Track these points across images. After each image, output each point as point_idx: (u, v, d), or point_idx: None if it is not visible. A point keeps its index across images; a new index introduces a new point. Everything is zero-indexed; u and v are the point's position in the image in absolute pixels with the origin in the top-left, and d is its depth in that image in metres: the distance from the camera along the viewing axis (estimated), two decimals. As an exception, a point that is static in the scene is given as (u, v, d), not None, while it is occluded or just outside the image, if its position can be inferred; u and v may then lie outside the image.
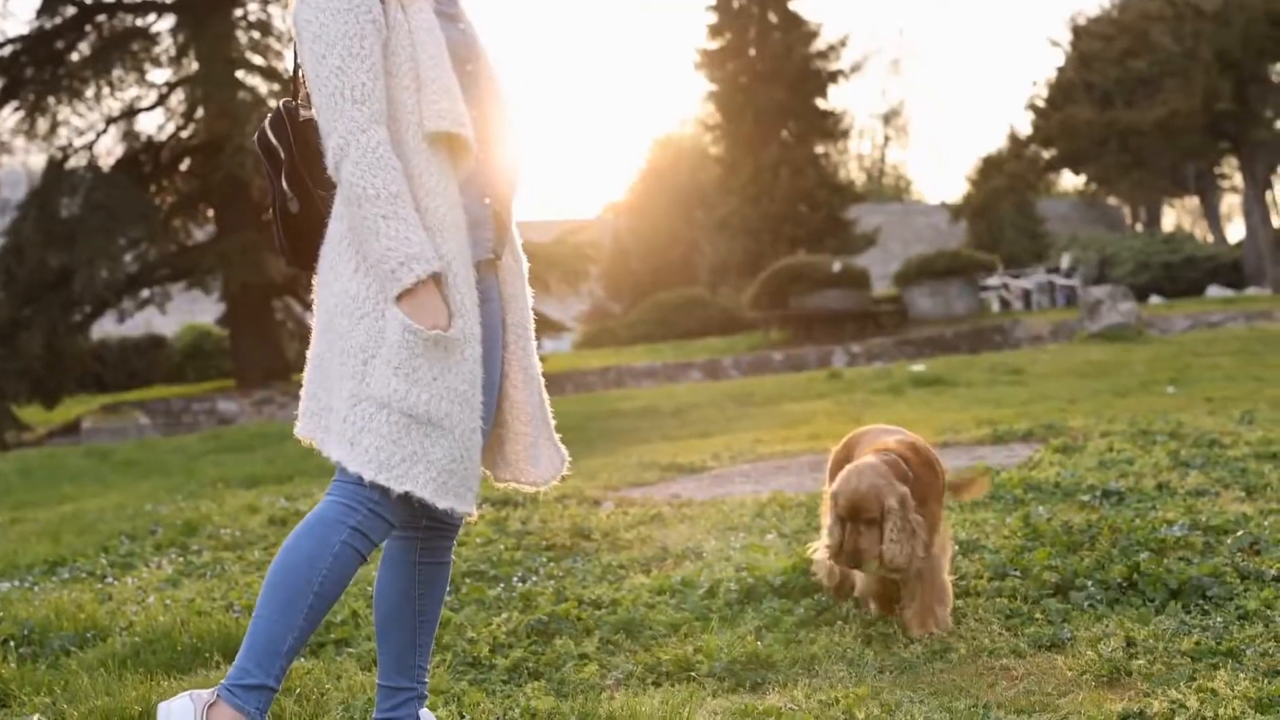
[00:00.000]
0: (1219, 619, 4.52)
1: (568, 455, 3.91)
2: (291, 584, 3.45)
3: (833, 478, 5.16)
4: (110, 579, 6.91)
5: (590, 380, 27.83)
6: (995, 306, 38.34)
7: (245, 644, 3.48)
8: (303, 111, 3.64)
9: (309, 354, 3.66)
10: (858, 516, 4.68)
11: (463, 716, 4.14)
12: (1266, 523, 5.71)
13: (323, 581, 3.46)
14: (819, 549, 5.16)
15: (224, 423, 24.81)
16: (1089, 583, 5.02)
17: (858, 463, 4.86)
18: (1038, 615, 4.82)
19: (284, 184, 3.64)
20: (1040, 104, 53.54)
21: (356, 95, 3.39)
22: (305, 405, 3.65)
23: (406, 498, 3.43)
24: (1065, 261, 39.43)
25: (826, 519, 5.07)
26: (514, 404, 3.80)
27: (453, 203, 3.50)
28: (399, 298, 3.38)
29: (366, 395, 3.41)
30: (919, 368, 19.35)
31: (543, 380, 3.90)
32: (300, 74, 3.62)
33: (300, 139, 3.61)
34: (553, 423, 3.90)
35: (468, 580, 6.05)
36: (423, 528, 3.75)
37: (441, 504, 3.43)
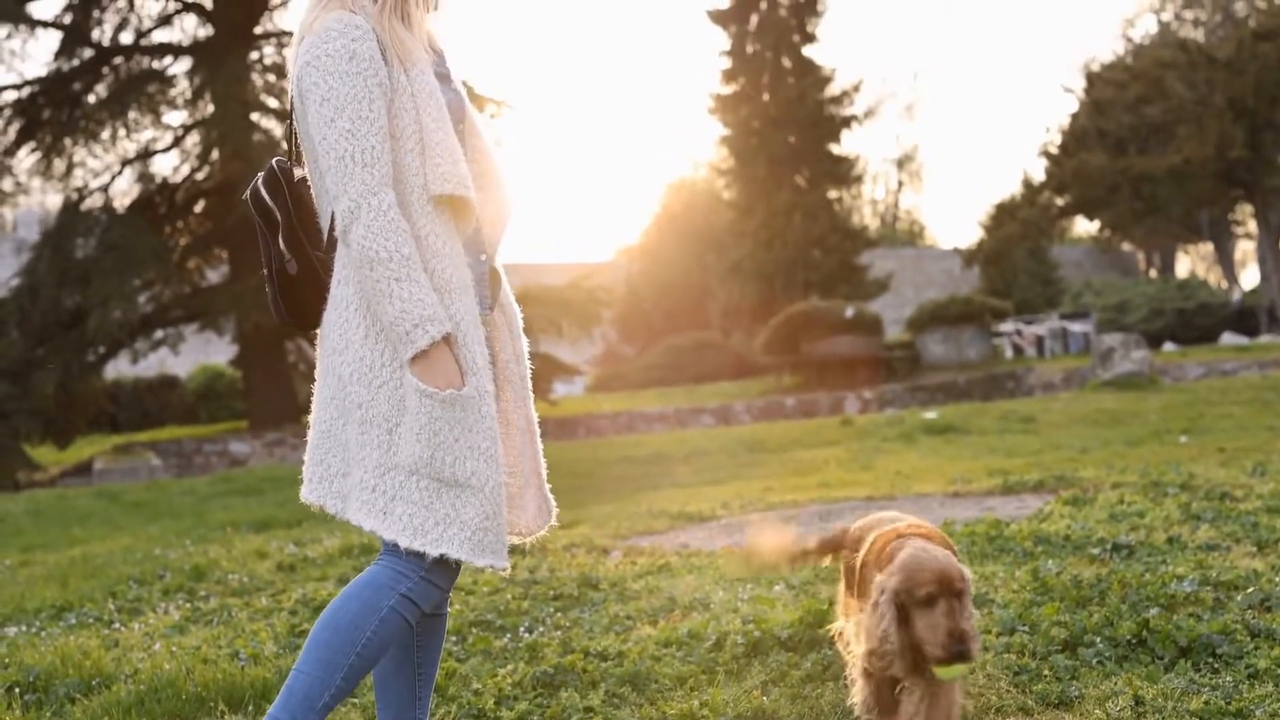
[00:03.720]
0: (1228, 678, 4.48)
1: (555, 506, 3.94)
2: (335, 644, 3.45)
3: (850, 584, 4.36)
4: (117, 625, 6.90)
5: (602, 425, 27.81)
6: (1008, 353, 38.33)
7: (283, 694, 3.48)
8: (296, 170, 3.65)
9: (313, 419, 3.63)
10: (950, 589, 3.74)
11: (466, 771, 4.11)
12: (1278, 578, 5.66)
13: (366, 644, 3.46)
14: (866, 654, 3.96)
15: (236, 464, 24.83)
16: (1098, 639, 4.98)
17: (914, 545, 3.89)
18: (1046, 672, 4.78)
19: (281, 245, 3.63)
20: (1054, 150, 53.68)
21: (366, 159, 3.40)
22: (313, 470, 3.61)
23: (445, 560, 3.44)
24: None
25: (859, 646, 4.08)
26: None
27: (458, 262, 3.52)
28: (412, 360, 3.38)
29: (394, 464, 3.42)
30: (931, 415, 19.31)
31: (538, 430, 3.91)
32: (295, 134, 3.63)
33: (296, 199, 3.62)
34: (544, 473, 3.91)
35: (474, 630, 6.03)
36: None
37: (480, 562, 3.44)
